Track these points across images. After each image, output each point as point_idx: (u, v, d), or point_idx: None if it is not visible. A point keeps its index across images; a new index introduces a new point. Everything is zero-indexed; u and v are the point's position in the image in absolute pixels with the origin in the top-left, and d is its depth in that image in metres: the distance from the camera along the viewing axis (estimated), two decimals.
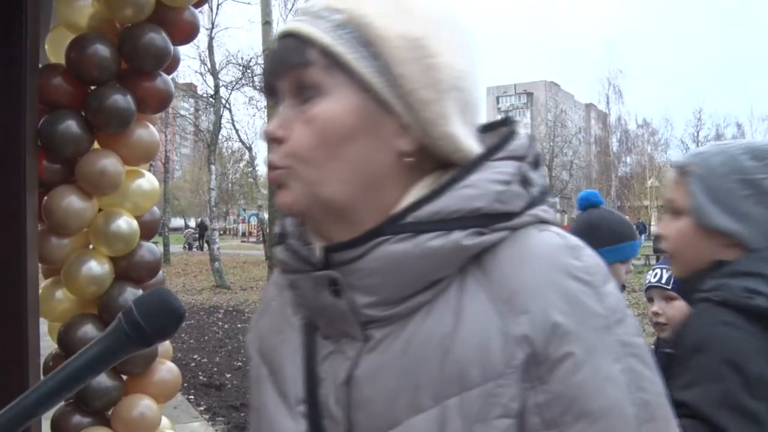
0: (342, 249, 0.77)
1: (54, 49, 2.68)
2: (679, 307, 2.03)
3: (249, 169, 31.89)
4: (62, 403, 2.62)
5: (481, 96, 0.86)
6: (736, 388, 1.16)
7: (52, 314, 2.69)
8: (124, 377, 2.69)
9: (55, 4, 2.63)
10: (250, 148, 24.88)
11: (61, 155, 2.54)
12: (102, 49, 2.50)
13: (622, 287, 2.57)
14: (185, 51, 2.84)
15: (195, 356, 8.46)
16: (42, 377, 1.89)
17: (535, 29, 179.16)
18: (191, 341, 9.50)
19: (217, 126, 20.59)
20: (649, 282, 2.13)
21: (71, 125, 2.49)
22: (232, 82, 20.47)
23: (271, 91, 0.83)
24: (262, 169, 27.25)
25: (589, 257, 0.76)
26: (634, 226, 2.60)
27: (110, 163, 2.56)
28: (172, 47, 2.63)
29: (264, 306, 0.97)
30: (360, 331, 0.78)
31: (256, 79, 19.51)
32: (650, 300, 2.15)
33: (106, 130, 2.59)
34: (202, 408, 6.35)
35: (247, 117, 47.18)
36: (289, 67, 0.78)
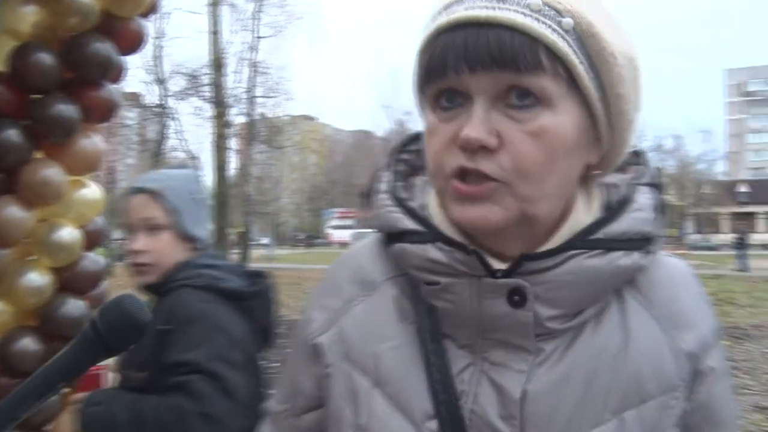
0: (537, 258, 0.74)
1: None
2: None
3: None
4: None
5: None
6: (224, 347, 1.64)
7: None
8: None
9: None
10: (196, 158, 24.57)
11: (2, 164, 2.49)
12: (45, 58, 2.47)
13: None
14: (130, 60, 2.82)
15: None
16: None
17: None
18: None
19: (163, 136, 20.26)
20: None
21: (12, 134, 2.45)
22: (179, 91, 20.21)
23: (432, 80, 0.73)
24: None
25: None
26: None
27: (53, 172, 2.52)
28: (118, 57, 2.62)
29: (341, 307, 0.86)
30: (534, 343, 0.76)
31: (202, 89, 19.31)
32: None
33: (50, 140, 2.55)
34: None
35: (192, 127, 46.79)
36: (513, 66, 0.68)
